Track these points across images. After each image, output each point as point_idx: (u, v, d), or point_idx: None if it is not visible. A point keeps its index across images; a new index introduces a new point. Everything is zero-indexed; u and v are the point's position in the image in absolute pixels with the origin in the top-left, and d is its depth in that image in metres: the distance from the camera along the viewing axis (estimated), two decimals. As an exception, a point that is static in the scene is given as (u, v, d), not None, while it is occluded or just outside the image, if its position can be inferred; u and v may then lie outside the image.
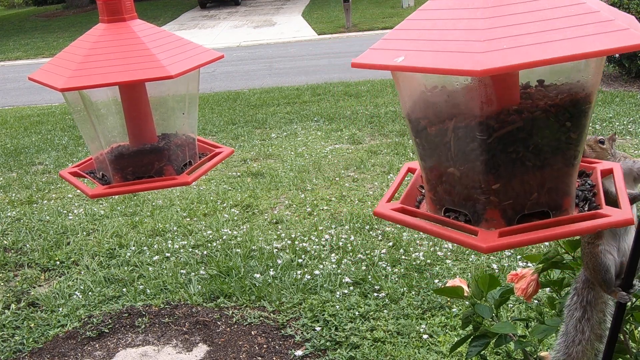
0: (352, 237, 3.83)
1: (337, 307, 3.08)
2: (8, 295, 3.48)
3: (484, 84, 0.80)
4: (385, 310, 3.03)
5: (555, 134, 0.83)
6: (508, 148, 0.81)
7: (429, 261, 3.47)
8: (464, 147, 0.84)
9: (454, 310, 2.96)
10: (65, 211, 4.69)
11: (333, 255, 3.64)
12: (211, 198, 4.74)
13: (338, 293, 3.20)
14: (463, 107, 0.83)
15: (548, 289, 1.45)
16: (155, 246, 3.95)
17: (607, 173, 0.97)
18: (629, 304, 1.16)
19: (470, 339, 1.47)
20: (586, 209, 0.89)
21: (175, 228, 4.21)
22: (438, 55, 0.75)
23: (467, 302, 1.50)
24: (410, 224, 0.91)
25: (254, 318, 3.09)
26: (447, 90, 0.84)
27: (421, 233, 3.79)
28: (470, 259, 3.45)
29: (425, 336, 2.79)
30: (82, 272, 3.69)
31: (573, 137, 0.83)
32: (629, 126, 5.74)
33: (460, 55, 0.73)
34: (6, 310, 3.32)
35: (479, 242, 0.79)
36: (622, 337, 1.31)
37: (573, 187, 0.87)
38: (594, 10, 0.73)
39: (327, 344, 2.82)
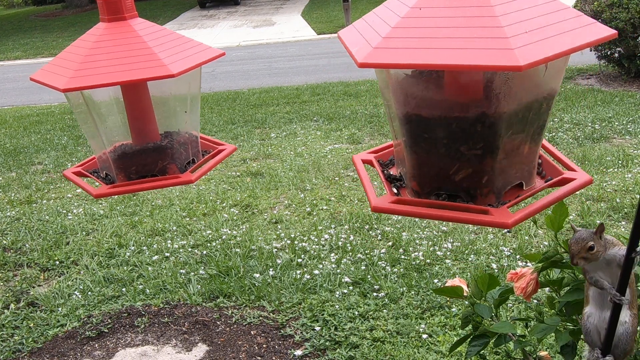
0: (352, 237, 3.84)
1: (337, 306, 3.08)
2: (7, 295, 3.48)
3: (391, 75, 0.94)
4: (384, 310, 3.03)
5: (460, 137, 0.90)
6: (421, 136, 0.93)
7: (428, 261, 3.47)
8: (396, 124, 0.99)
9: (453, 310, 2.96)
10: (64, 211, 4.69)
11: (332, 255, 3.64)
12: (210, 198, 4.74)
13: (337, 293, 3.20)
14: (385, 91, 0.98)
15: (547, 288, 1.45)
16: (154, 246, 3.95)
17: (567, 182, 1.00)
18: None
19: (469, 339, 1.47)
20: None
21: (174, 228, 4.21)
22: (359, 41, 0.87)
23: (466, 302, 1.50)
24: (358, 171, 1.09)
25: (254, 318, 3.09)
26: (383, 73, 0.98)
27: (421, 233, 3.80)
28: (470, 259, 3.45)
29: (424, 336, 2.79)
30: (82, 272, 3.69)
31: (490, 140, 0.89)
32: (629, 126, 5.74)
33: (364, 46, 0.83)
34: (5, 310, 3.32)
35: (373, 201, 0.96)
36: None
37: (491, 182, 0.93)
38: (498, 26, 0.77)
39: (327, 343, 2.82)
